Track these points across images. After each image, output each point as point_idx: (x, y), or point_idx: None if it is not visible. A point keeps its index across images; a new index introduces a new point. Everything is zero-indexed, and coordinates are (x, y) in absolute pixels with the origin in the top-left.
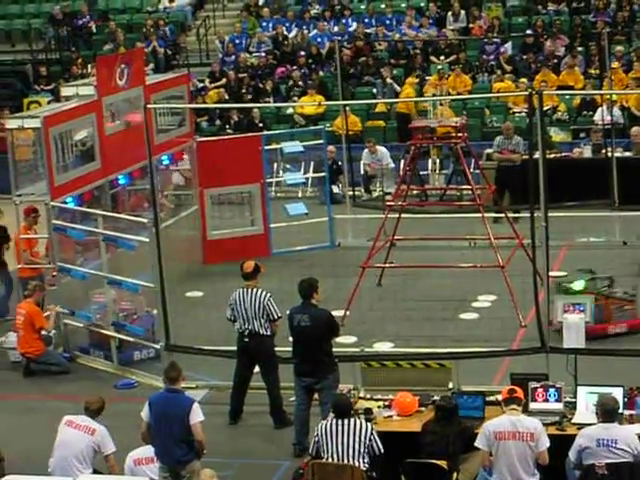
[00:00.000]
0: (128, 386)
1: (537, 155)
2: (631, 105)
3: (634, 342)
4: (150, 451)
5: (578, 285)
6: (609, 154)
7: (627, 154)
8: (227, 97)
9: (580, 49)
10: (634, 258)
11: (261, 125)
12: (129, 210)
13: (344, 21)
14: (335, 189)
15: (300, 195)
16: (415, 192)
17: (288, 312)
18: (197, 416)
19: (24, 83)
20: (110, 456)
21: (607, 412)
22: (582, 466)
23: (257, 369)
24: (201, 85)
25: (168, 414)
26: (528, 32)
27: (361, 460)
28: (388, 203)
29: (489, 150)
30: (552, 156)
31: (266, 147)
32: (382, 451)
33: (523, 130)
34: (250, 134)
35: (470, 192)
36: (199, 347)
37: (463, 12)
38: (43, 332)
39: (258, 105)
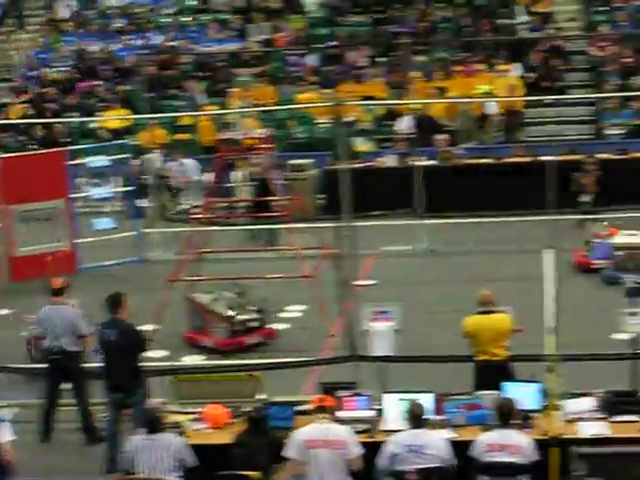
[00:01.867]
0: None
1: (341, 165)
2: (438, 114)
3: None
4: None
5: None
6: (413, 162)
7: (432, 162)
8: (31, 112)
9: (382, 59)
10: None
11: (67, 140)
12: None
13: (148, 34)
14: (143, 203)
15: (108, 210)
16: (223, 204)
17: (96, 327)
18: (6, 435)
19: None
20: None
21: (414, 418)
22: (393, 472)
23: (67, 386)
24: (2, 101)
25: None
26: (330, 43)
27: (172, 474)
28: (195, 216)
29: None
30: (357, 166)
31: (71, 162)
32: (197, 463)
33: (329, 140)
34: (54, 149)
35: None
36: (6, 365)
37: (266, 24)
38: None
39: (61, 120)
